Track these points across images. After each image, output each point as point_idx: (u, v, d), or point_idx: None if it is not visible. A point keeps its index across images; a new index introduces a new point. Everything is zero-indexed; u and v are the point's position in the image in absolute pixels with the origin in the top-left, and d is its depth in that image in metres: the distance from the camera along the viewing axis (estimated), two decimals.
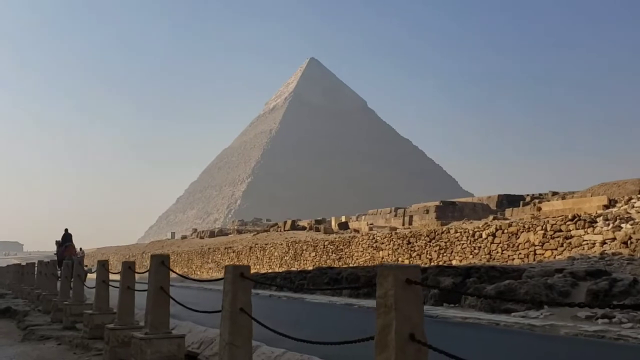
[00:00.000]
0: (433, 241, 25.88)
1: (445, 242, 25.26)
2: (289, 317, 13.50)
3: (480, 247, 23.51)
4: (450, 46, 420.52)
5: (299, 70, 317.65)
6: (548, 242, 20.64)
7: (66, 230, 27.59)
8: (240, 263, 43.40)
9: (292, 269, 36.23)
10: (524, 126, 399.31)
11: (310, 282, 21.18)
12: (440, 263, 25.04)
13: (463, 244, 24.37)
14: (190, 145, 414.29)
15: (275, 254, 38.77)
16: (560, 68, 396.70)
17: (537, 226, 21.20)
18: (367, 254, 29.96)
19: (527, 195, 67.80)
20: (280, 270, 35.92)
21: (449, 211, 63.23)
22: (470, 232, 24.18)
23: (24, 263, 27.60)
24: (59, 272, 18.91)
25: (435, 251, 25.67)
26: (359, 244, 30.71)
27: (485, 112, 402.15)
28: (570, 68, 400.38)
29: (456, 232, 24.99)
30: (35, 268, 22.67)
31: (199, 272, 48.75)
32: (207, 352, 7.74)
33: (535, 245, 21.09)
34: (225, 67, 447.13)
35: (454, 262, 24.33)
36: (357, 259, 30.67)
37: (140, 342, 7.51)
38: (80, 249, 36.52)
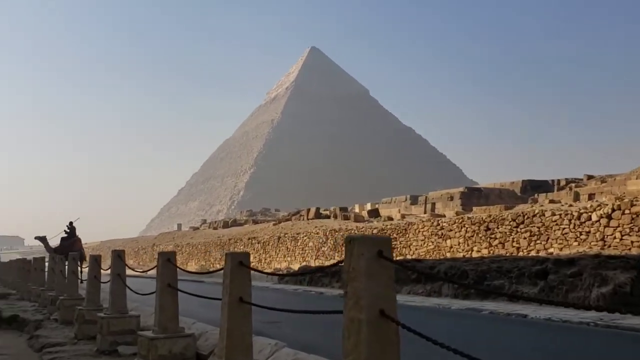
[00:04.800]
0: (522, 226, 21.58)
1: (539, 227, 20.97)
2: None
3: (589, 232, 19.22)
4: (453, 30, 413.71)
5: (300, 60, 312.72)
6: None
7: (71, 223, 23.78)
8: (268, 255, 39.17)
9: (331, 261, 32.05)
10: (527, 115, 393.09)
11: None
12: (533, 252, 20.80)
13: (564, 228, 20.08)
14: (191, 136, 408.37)
15: (310, 244, 34.49)
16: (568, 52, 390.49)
17: None
18: (431, 243, 25.68)
19: (552, 180, 64.05)
20: (316, 265, 31.76)
21: (474, 197, 59.49)
22: (575, 214, 19.86)
23: (29, 257, 23.33)
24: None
25: (525, 238, 21.38)
26: (419, 231, 26.41)
27: (488, 99, 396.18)
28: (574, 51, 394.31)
29: (553, 214, 20.67)
30: (46, 264, 18.44)
31: (218, 265, 44.52)
32: None
33: None
34: (225, 57, 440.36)
35: (552, 251, 20.09)
36: (416, 249, 26.42)
37: None
38: None
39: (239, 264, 5.39)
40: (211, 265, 44.96)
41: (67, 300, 13.16)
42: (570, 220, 19.91)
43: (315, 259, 33.54)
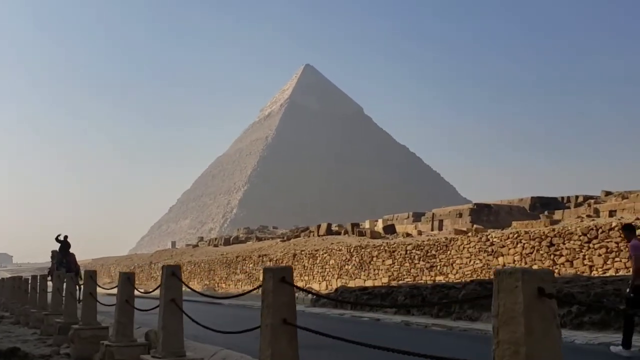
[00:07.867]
0: (594, 241, 18.89)
1: (617, 243, 18.29)
2: None
3: None
4: (446, 50, 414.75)
5: (295, 77, 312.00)
6: None
7: (66, 237, 20.59)
8: None
9: (355, 280, 29.28)
10: (522, 132, 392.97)
11: (467, 302, 14.07)
12: (611, 271, 18.09)
13: None
14: (182, 153, 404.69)
15: (331, 262, 31.60)
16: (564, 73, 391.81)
17: None
18: (478, 261, 22.89)
19: (562, 197, 61.91)
20: (350, 285, 28.95)
21: (483, 214, 57.06)
22: None
23: (26, 275, 20.30)
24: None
25: (600, 255, 18.68)
26: (464, 247, 23.63)
27: (481, 117, 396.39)
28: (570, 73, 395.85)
29: (637, 228, 17.97)
30: (49, 283, 15.50)
31: (224, 285, 41.42)
32: None
33: None
34: (219, 73, 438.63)
35: None
36: (460, 268, 23.62)
37: None
38: None
39: None
40: (217, 285, 41.83)
41: (84, 331, 10.28)
42: None
43: (338, 278, 30.66)
